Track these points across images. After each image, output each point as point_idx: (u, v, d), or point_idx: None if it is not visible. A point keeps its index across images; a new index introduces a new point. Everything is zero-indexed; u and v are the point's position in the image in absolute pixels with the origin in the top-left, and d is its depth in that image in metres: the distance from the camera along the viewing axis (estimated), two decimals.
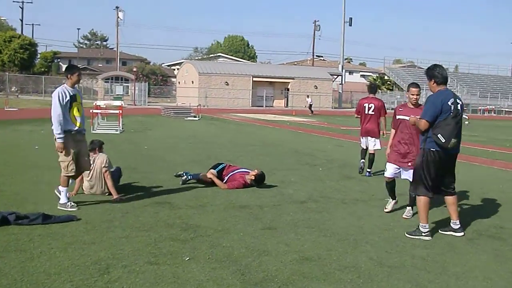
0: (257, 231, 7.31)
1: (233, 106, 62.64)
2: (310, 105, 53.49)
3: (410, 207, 8.64)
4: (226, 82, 66.62)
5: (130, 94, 64.76)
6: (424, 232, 7.33)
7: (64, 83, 8.50)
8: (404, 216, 8.61)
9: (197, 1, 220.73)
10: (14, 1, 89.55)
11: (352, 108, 75.12)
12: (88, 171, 9.08)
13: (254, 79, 68.39)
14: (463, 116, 7.97)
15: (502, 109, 75.27)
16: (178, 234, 6.96)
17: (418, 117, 7.46)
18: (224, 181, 10.51)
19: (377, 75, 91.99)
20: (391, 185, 9.01)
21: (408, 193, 8.52)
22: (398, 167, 8.80)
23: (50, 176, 10.94)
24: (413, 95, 8.86)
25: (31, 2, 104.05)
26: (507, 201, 10.16)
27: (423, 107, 7.72)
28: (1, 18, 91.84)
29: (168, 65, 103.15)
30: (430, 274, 5.86)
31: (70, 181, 8.50)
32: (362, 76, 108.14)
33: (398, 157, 8.77)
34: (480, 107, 71.71)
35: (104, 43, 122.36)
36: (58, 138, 8.07)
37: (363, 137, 12.75)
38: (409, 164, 8.49)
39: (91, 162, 9.07)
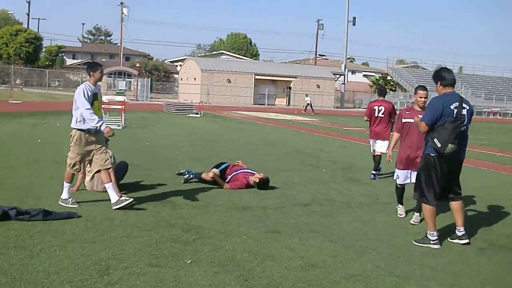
0: (261, 234, 7.17)
1: (235, 103, 62.51)
2: (308, 105, 53.02)
3: (417, 213, 8.49)
4: (228, 80, 66.48)
5: (133, 89, 64.59)
6: (433, 240, 7.17)
7: (86, 81, 8.32)
8: (411, 222, 8.47)
9: None
10: None
11: (354, 108, 75.23)
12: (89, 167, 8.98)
13: (256, 77, 68.28)
14: None
15: (508, 111, 74.49)
16: (180, 235, 6.83)
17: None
18: (227, 181, 10.38)
19: (380, 75, 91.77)
20: (401, 190, 8.95)
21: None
22: (409, 171, 8.73)
23: (52, 170, 10.87)
24: (421, 97, 8.78)
25: None
26: None
27: None
28: (8, 12, 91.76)
29: (170, 62, 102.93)
30: (441, 286, 5.70)
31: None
32: (365, 76, 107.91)
33: (407, 162, 8.70)
34: (485, 109, 70.90)
35: (108, 38, 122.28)
36: (100, 126, 7.94)
37: (372, 139, 12.68)
38: (415, 167, 8.35)
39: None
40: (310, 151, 17.81)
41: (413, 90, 9.13)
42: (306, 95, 56.89)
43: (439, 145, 6.93)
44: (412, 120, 8.50)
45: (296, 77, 70.49)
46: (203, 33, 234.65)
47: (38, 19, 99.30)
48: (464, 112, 7.10)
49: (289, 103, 69.31)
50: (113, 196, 7.97)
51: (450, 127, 6.91)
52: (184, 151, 15.71)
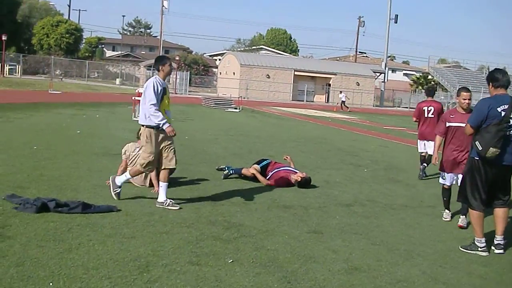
0: (303, 234, 6.98)
1: (273, 99, 62.30)
2: (343, 102, 52.38)
3: (464, 216, 8.25)
4: (268, 75, 66.27)
5: (172, 82, 64.86)
6: (481, 247, 6.89)
7: (155, 75, 8.06)
8: (460, 224, 8.24)
9: None
10: None
11: (393, 107, 74.38)
12: (131, 160, 9.00)
13: (296, 73, 67.90)
14: None
15: None
16: (221, 233, 6.68)
17: None
18: (268, 178, 10.21)
19: (421, 74, 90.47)
20: (448, 193, 8.72)
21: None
22: (455, 174, 8.52)
23: (91, 163, 10.87)
24: (465, 99, 8.57)
25: None
26: None
27: None
28: (50, 3, 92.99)
29: (210, 55, 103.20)
30: None
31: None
32: (405, 74, 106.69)
33: (453, 165, 8.49)
34: None
35: (148, 31, 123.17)
36: (163, 124, 7.60)
37: (421, 140, 12.59)
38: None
39: (138, 150, 8.98)
40: (351, 149, 17.54)
41: (456, 92, 8.83)
42: (340, 92, 56.29)
43: (480, 148, 6.69)
44: (457, 124, 8.38)
45: (335, 74, 69.93)
46: (242, 27, 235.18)
47: (79, 10, 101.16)
48: None
49: (328, 100, 68.82)
50: (162, 195, 7.79)
51: (493, 130, 6.63)
52: (223, 146, 15.58)
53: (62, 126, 17.49)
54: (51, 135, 14.89)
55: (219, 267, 5.45)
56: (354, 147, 18.50)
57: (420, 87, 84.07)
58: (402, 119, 43.63)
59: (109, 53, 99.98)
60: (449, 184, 8.68)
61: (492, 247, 7.03)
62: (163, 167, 7.88)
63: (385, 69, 74.39)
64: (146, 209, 7.51)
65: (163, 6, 75.18)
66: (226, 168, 10.52)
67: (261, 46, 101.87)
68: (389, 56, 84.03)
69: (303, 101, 64.98)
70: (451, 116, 8.61)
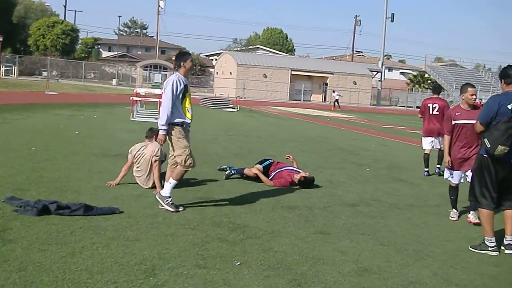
0: (310, 235, 6.84)
1: (270, 98, 62.20)
2: (336, 100, 52.22)
3: (474, 211, 8.20)
4: (264, 75, 66.15)
5: None
6: (491, 247, 6.74)
7: (176, 72, 7.76)
8: (473, 221, 8.21)
9: None
10: None
11: (390, 106, 74.32)
12: (137, 158, 8.91)
13: (293, 72, 67.80)
14: None
15: None
16: (226, 235, 6.52)
17: None
18: (270, 178, 10.07)
19: (417, 72, 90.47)
20: (456, 191, 8.60)
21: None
22: (463, 171, 8.43)
23: (91, 163, 10.71)
24: (472, 95, 8.43)
25: None
26: None
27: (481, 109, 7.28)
28: (46, 4, 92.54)
29: (206, 55, 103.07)
30: None
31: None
32: (402, 73, 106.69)
33: (461, 163, 8.36)
34: None
35: (144, 31, 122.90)
36: (161, 129, 7.42)
37: (427, 137, 12.75)
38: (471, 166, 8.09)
39: (143, 149, 8.90)
40: (352, 149, 17.41)
41: (460, 89, 8.72)
42: (334, 91, 56.21)
43: (488, 146, 6.57)
44: (463, 121, 8.28)
45: (332, 73, 69.83)
46: (239, 27, 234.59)
47: (75, 11, 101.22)
48: None
49: (325, 100, 68.73)
50: (166, 191, 7.59)
51: (502, 128, 6.49)
52: (224, 146, 15.44)
53: (60, 127, 17.32)
54: (49, 136, 14.72)
55: (227, 270, 5.29)
56: (354, 146, 18.36)
57: (417, 86, 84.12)
58: (400, 117, 43.62)
59: (105, 53, 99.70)
60: (457, 182, 8.55)
61: (502, 247, 6.89)
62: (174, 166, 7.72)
63: (382, 68, 74.30)
64: (149, 211, 7.35)
65: (159, 6, 75.11)
66: (228, 169, 10.38)
67: (257, 46, 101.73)
68: (385, 55, 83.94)
69: (300, 100, 64.90)
70: (456, 114, 8.47)
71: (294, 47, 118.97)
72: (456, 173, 8.48)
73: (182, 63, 7.69)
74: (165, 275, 5.03)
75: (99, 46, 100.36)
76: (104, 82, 69.55)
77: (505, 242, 6.92)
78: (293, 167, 10.48)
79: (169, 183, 7.59)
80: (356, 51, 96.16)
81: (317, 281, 5.24)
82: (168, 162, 7.89)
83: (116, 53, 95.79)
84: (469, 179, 8.34)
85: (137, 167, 8.95)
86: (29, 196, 7.53)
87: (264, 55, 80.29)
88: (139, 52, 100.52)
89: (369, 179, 11.64)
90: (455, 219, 8.48)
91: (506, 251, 6.84)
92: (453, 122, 8.41)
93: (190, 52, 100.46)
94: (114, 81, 67.22)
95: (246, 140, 17.45)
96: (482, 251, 6.76)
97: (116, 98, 38.84)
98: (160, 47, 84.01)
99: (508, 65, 7.07)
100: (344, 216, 8.03)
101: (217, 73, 75.02)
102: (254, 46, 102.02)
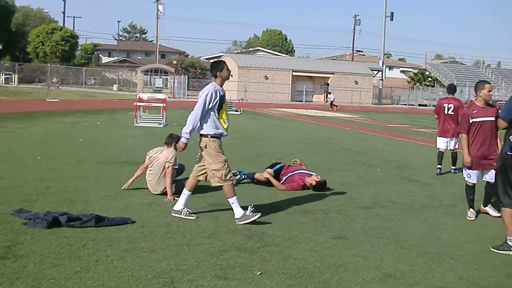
0: (328, 240, 6.64)
1: (272, 100, 62.09)
2: (331, 102, 52.13)
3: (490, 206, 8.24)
4: (266, 76, 66.00)
5: (169, 86, 64.56)
6: None
7: (212, 82, 7.49)
8: (495, 215, 8.21)
9: None
10: None
11: (392, 104, 74.13)
12: (151, 162, 8.81)
13: (294, 73, 67.70)
14: None
15: None
16: (244, 243, 6.32)
17: None
18: (282, 182, 9.88)
19: (418, 70, 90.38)
20: (473, 190, 8.43)
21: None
22: (481, 170, 8.29)
23: (97, 172, 10.53)
24: (490, 91, 8.30)
25: None
26: None
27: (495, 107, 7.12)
28: (44, 10, 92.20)
29: (206, 58, 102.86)
30: None
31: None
32: (402, 71, 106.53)
33: (479, 162, 8.21)
34: None
35: (143, 35, 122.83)
36: (185, 137, 7.19)
37: (442, 137, 12.67)
38: (491, 165, 8.03)
39: (158, 153, 8.79)
40: (359, 149, 17.22)
41: (475, 86, 8.52)
42: (330, 93, 56.15)
43: None
44: (481, 119, 8.12)
45: (333, 73, 69.70)
46: (238, 29, 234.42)
47: (74, 17, 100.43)
48: None
49: (327, 100, 68.52)
50: (180, 204, 7.38)
51: None
52: (230, 150, 15.10)
53: (64, 135, 17.16)
54: (54, 144, 14.55)
55: (248, 281, 5.09)
56: (362, 146, 18.18)
57: (417, 84, 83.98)
58: (403, 116, 43.46)
59: (105, 59, 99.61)
60: (475, 182, 8.39)
61: None
62: (198, 176, 7.51)
63: (382, 66, 74.18)
64: (161, 220, 7.16)
65: (158, 10, 74.95)
66: (238, 173, 10.17)
67: (257, 48, 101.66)
68: (385, 54, 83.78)
69: (302, 101, 64.76)
70: (473, 112, 8.28)
71: (294, 48, 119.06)
72: (475, 173, 8.31)
73: (218, 73, 7.44)
74: None
75: (98, 52, 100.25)
76: (105, 88, 69.45)
77: None
78: (304, 170, 10.28)
79: (232, 203, 7.30)
80: (356, 51, 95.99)
81: None
82: (194, 170, 7.60)
83: (116, 58, 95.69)
84: (485, 178, 8.32)
85: (150, 170, 8.81)
86: (38, 207, 7.33)
87: (264, 57, 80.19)
88: (139, 57, 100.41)
89: (381, 180, 11.45)
90: (472, 219, 8.31)
91: None
92: (471, 121, 8.22)
93: (190, 55, 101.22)
94: (115, 87, 67.07)
95: (252, 143, 17.27)
96: (504, 252, 6.58)
97: (118, 104, 38.71)
98: (160, 51, 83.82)
99: None
100: (360, 220, 7.85)
101: None
102: (254, 48, 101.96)
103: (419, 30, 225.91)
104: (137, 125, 21.95)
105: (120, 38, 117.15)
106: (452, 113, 12.26)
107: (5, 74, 61.02)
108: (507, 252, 6.56)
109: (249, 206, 7.32)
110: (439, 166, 12.65)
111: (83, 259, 5.44)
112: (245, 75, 64.99)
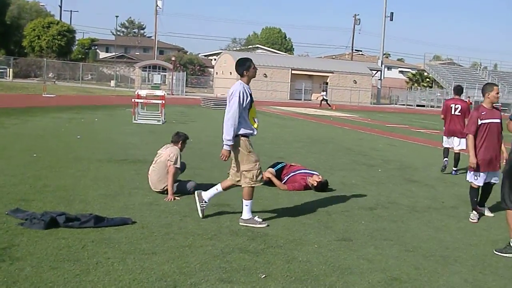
0: (332, 242, 6.53)
1: (271, 98, 61.93)
2: (324, 99, 52.05)
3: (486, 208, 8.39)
4: (265, 74, 65.84)
5: (168, 83, 64.35)
6: None
7: (239, 81, 7.34)
8: (489, 215, 8.46)
9: None
10: None
11: (390, 104, 74.09)
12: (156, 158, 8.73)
13: (293, 72, 67.60)
14: None
15: None
16: (247, 244, 6.20)
17: None
18: (283, 182, 9.76)
19: (416, 71, 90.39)
20: (477, 192, 8.37)
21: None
22: (488, 172, 8.24)
23: (96, 170, 10.38)
24: (498, 93, 8.33)
25: None
26: None
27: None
28: (41, 4, 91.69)
29: (205, 55, 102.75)
30: None
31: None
32: (401, 72, 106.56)
33: (487, 164, 8.15)
34: None
35: (142, 31, 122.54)
36: (227, 144, 6.98)
37: (448, 137, 12.78)
38: (497, 166, 8.16)
39: (162, 150, 8.72)
40: (360, 149, 17.12)
41: (482, 89, 8.52)
42: (322, 90, 56.07)
43: None
44: (489, 121, 8.10)
45: (333, 72, 69.64)
46: (237, 26, 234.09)
47: (71, 11, 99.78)
48: None
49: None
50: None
51: None
52: None
53: (61, 131, 16.98)
54: (51, 141, 14.37)
55: (253, 284, 4.98)
56: (362, 146, 18.09)
57: (416, 84, 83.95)
58: (401, 116, 43.40)
59: (102, 54, 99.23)
60: (481, 184, 8.32)
61: None
62: (238, 182, 7.22)
63: (381, 66, 74.15)
64: (162, 220, 7.03)
65: (157, 5, 74.77)
66: None
67: (257, 46, 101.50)
68: (384, 54, 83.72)
69: (300, 99, 64.66)
70: (482, 113, 8.21)
71: (293, 46, 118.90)
72: (482, 175, 8.24)
73: (244, 72, 7.28)
74: None
75: (96, 47, 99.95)
76: (102, 83, 69.19)
77: None
78: (306, 169, 10.17)
79: (246, 205, 7.08)
80: (355, 50, 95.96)
81: None
82: (231, 175, 7.36)
83: (113, 54, 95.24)
84: (491, 180, 8.32)
85: (153, 166, 8.73)
86: (35, 207, 7.18)
87: (264, 55, 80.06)
88: (137, 53, 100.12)
89: (382, 180, 11.35)
90: (475, 221, 8.25)
91: None
92: (479, 122, 8.15)
93: (189, 52, 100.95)
94: (112, 83, 66.71)
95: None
96: (507, 254, 6.54)
97: (115, 100, 38.54)
98: (158, 47, 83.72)
99: None
100: (363, 221, 7.75)
101: (216, 73, 74.72)
102: (253, 46, 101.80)
103: (418, 30, 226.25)
104: (135, 122, 21.79)
105: (118, 33, 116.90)
106: (459, 113, 12.36)
107: None
108: (509, 255, 6.51)
109: (256, 217, 7.15)
110: (445, 158, 12.85)
111: (83, 261, 5.30)
112: None
